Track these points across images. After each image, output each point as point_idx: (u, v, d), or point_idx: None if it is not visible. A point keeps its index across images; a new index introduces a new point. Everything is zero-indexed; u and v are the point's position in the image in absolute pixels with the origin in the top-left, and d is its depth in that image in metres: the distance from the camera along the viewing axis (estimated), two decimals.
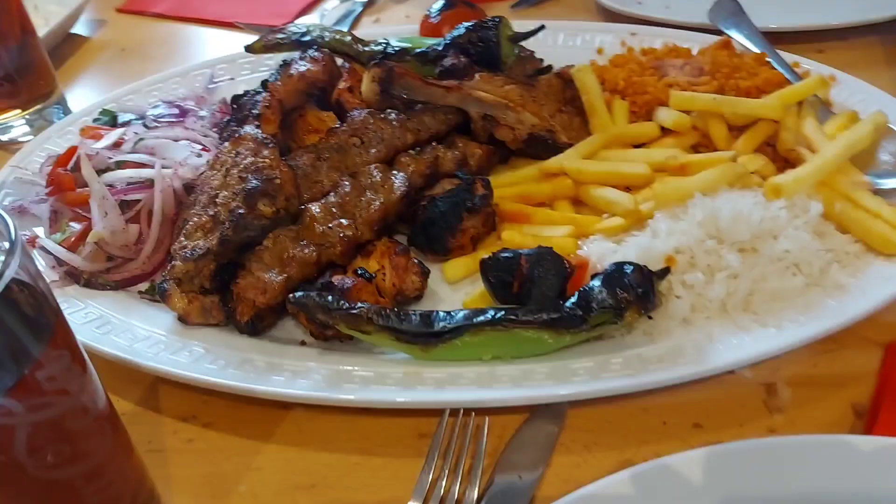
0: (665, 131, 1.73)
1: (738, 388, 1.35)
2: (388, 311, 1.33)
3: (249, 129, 1.60)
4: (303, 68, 1.69)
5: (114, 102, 2.01)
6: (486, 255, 1.41)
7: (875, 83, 1.85)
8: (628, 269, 1.32)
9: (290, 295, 1.34)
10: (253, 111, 1.64)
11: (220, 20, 2.58)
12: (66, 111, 2.17)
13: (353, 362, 1.36)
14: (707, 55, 1.84)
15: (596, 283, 1.32)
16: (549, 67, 1.94)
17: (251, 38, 2.02)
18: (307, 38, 1.90)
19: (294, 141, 1.72)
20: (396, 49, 1.85)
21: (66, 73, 2.40)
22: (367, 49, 1.86)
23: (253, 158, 1.53)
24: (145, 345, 1.41)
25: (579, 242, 1.54)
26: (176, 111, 1.88)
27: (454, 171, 1.66)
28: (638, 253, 1.40)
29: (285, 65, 1.71)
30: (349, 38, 1.90)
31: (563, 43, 2.12)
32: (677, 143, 1.70)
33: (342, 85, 1.84)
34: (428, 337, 1.31)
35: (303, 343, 1.44)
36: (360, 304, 1.33)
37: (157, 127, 1.82)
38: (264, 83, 1.70)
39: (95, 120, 1.91)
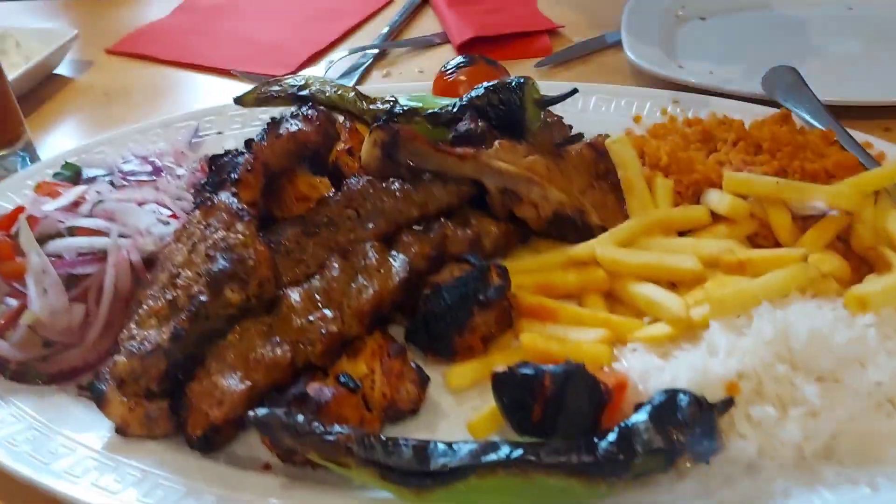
0: (717, 218, 1.46)
1: None
2: (372, 440, 1.04)
3: (224, 196, 1.34)
4: (294, 128, 1.43)
5: (83, 154, 1.76)
6: (501, 370, 1.13)
7: None
8: (683, 400, 1.04)
9: (251, 412, 1.06)
10: (232, 175, 1.38)
11: (217, 67, 2.35)
12: (34, 160, 1.92)
13: (325, 501, 1.07)
14: (765, 130, 1.58)
15: (641, 417, 1.04)
16: (580, 136, 1.68)
17: (247, 89, 1.78)
18: (304, 91, 1.66)
19: (279, 210, 1.46)
20: (405, 108, 1.60)
21: (43, 117, 2.17)
22: (371, 107, 1.61)
23: (224, 233, 1.27)
24: (66, 463, 1.13)
25: (615, 352, 1.26)
26: (149, 168, 1.63)
27: (464, 254, 1.39)
28: (691, 375, 1.12)
29: (274, 123, 1.46)
30: (352, 93, 1.66)
31: (595, 108, 1.87)
32: (731, 233, 1.43)
33: (341, 146, 1.59)
34: (423, 477, 1.02)
35: (267, 467, 1.16)
36: (337, 430, 1.05)
37: (123, 186, 1.56)
38: (248, 143, 1.45)
39: (56, 175, 1.66)
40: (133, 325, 1.25)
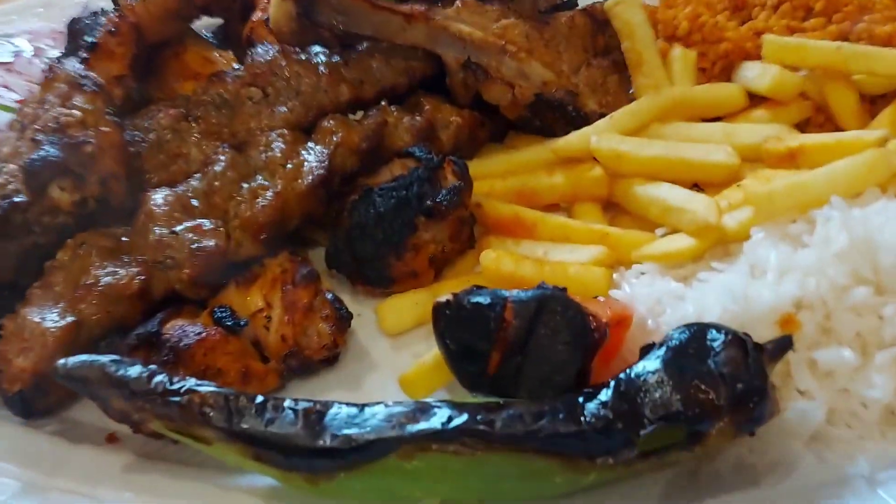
0: (755, 100, 1.08)
1: None
2: (241, 401, 0.69)
3: (70, 64, 0.96)
4: None
5: None
6: (444, 299, 0.76)
7: None
8: (715, 338, 0.68)
9: (59, 362, 0.70)
10: (87, 38, 1.00)
11: None
12: None
13: (180, 491, 0.72)
14: None
15: (651, 364, 0.67)
16: (573, 2, 1.28)
17: None
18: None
19: (161, 91, 1.08)
20: None
21: None
22: None
23: (59, 110, 0.89)
24: None
25: (615, 276, 0.89)
26: (11, 49, 1.25)
27: (410, 148, 1.01)
28: (727, 305, 0.76)
29: None
30: None
31: None
32: (776, 118, 1.07)
33: (257, 16, 1.20)
34: (316, 457, 0.67)
35: (111, 439, 0.80)
36: (189, 385, 0.69)
37: None
38: (116, 1, 1.06)
39: None
40: None
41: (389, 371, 0.90)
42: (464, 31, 1.10)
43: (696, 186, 1.03)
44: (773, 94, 1.08)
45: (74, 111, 0.89)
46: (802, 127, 1.13)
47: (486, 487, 0.69)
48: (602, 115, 1.11)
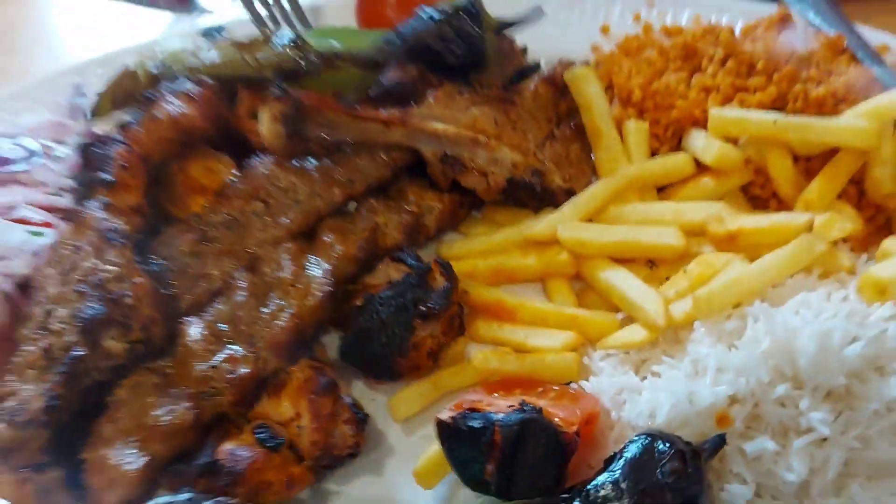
0: (702, 165, 1.22)
1: None
2: None
3: (95, 206, 1.09)
4: (174, 111, 1.15)
5: None
6: (445, 418, 0.93)
7: None
8: (661, 451, 0.85)
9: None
10: (103, 175, 1.12)
11: None
12: None
13: None
14: (760, 44, 1.30)
15: (611, 476, 0.85)
16: (536, 67, 1.39)
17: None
18: (174, 71, 1.28)
19: (173, 206, 1.21)
20: (319, 55, 1.28)
21: None
22: (266, 58, 1.28)
23: (94, 261, 1.03)
24: None
25: (584, 359, 1.06)
26: (22, 153, 1.35)
27: (400, 251, 1.16)
28: (673, 402, 0.94)
29: (148, 102, 1.18)
30: (235, 50, 1.30)
31: (554, 18, 1.55)
32: (720, 187, 1.21)
33: (243, 110, 1.30)
34: None
35: None
36: None
37: None
38: (123, 128, 1.18)
39: None
40: (12, 377, 1.04)
41: (403, 454, 1.06)
42: (438, 129, 1.22)
43: (651, 262, 1.19)
44: (717, 166, 1.21)
45: (109, 266, 1.02)
46: (747, 187, 1.28)
47: None
48: (569, 191, 1.25)
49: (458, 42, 1.28)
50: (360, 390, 1.13)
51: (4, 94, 1.54)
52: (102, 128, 1.36)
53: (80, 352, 0.99)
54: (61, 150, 1.39)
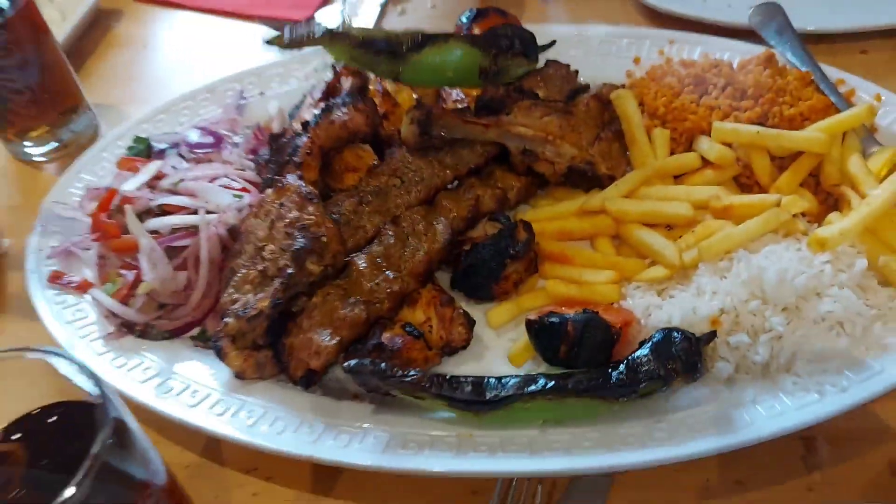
0: (707, 162, 1.72)
1: (779, 444, 1.40)
2: (440, 379, 1.37)
3: (292, 179, 1.59)
4: (345, 117, 1.66)
5: (144, 124, 1.98)
6: (533, 318, 1.44)
7: None
8: (676, 337, 1.35)
9: (346, 364, 1.38)
10: (294, 158, 1.63)
11: (238, 12, 2.51)
12: (91, 120, 2.16)
13: (407, 423, 1.41)
14: (750, 76, 1.80)
15: (644, 351, 1.35)
16: (587, 87, 1.90)
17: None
18: (335, 29, 1.74)
19: (332, 179, 1.71)
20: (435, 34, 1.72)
21: (88, 75, 2.36)
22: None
23: (297, 213, 1.54)
24: (206, 405, 1.46)
25: (622, 291, 1.56)
26: (211, 139, 1.87)
27: (495, 213, 1.67)
28: (683, 313, 1.43)
29: (327, 110, 1.69)
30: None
31: (600, 49, 2.06)
32: (719, 177, 1.70)
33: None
34: (482, 405, 1.35)
35: (355, 396, 1.49)
36: (413, 373, 1.37)
37: (193, 159, 1.81)
38: (305, 126, 1.68)
39: (129, 149, 1.90)
40: (232, 290, 1.55)
41: (497, 349, 1.53)
42: (520, 131, 1.72)
43: (669, 227, 1.69)
44: (717, 162, 1.70)
45: (310, 216, 1.53)
46: (738, 178, 1.78)
47: (564, 414, 1.37)
48: (611, 177, 1.75)
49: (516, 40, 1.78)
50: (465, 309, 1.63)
51: (187, 95, 2.06)
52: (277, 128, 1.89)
53: (291, 270, 1.50)
54: (236, 139, 1.92)
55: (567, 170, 1.74)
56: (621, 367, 1.35)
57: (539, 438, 1.36)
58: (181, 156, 1.84)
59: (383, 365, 1.37)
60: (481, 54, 1.74)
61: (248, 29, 2.49)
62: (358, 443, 1.38)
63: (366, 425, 1.41)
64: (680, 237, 1.59)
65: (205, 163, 1.80)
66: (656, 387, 1.33)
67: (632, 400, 1.35)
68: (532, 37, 1.83)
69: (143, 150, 1.89)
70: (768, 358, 1.39)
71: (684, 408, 1.38)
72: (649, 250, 1.58)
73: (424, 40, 1.72)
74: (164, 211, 1.70)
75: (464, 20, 2.04)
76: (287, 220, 1.55)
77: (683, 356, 1.33)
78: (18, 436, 1.00)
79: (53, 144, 2.10)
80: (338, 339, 1.46)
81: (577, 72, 1.97)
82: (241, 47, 2.40)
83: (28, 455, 0.99)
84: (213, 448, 1.50)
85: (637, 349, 1.37)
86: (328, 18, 2.45)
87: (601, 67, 1.99)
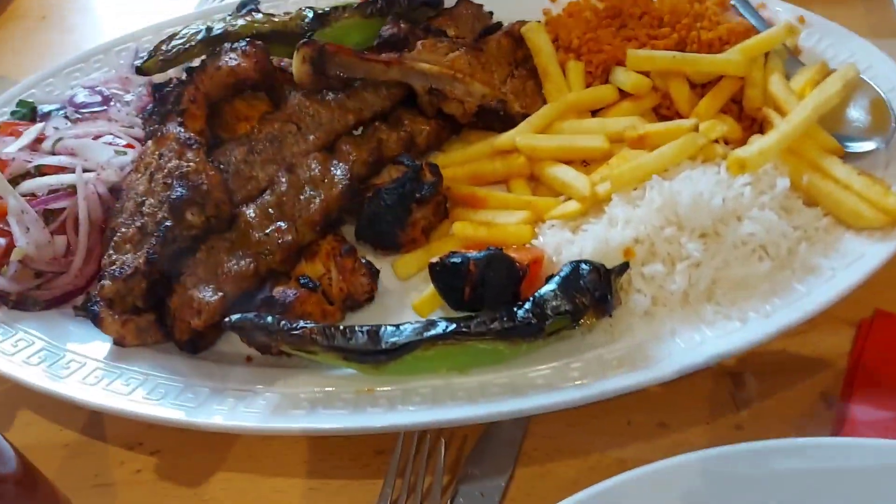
0: (624, 94, 1.62)
1: (704, 380, 1.30)
2: (332, 329, 1.25)
3: (172, 127, 1.47)
4: (233, 62, 1.54)
5: (32, 89, 1.84)
6: (435, 260, 1.32)
7: (849, 21, 1.73)
8: (584, 269, 1.24)
9: (227, 318, 1.25)
10: (177, 106, 1.51)
11: None
12: None
13: (301, 381, 1.29)
14: (667, 3, 1.70)
15: (551, 287, 1.24)
16: (499, 25, 1.79)
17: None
18: (216, 32, 1.69)
19: (224, 131, 1.59)
20: (328, 9, 1.69)
21: None
22: (293, 20, 1.69)
23: (177, 162, 1.41)
24: (81, 375, 1.33)
25: (536, 230, 1.45)
26: (98, 98, 1.74)
27: (399, 156, 1.55)
28: (595, 245, 1.32)
29: (213, 55, 1.56)
30: (261, 17, 1.72)
31: None
32: (637, 108, 1.60)
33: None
34: (377, 355, 1.24)
35: (248, 359, 1.37)
36: (302, 324, 1.25)
37: (79, 119, 1.68)
38: (189, 72, 1.56)
39: (13, 113, 1.76)
40: (112, 251, 1.42)
41: (405, 301, 1.41)
42: (425, 68, 1.61)
43: (585, 163, 1.59)
44: (633, 91, 1.60)
45: (189, 163, 1.41)
46: (657, 109, 1.68)
47: (469, 360, 1.26)
48: (524, 115, 1.63)
49: None
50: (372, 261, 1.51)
51: (79, 57, 1.92)
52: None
53: (170, 223, 1.37)
54: (128, 97, 1.78)
55: (478, 109, 1.63)
56: (527, 304, 1.24)
57: (443, 388, 1.24)
58: (67, 118, 1.71)
59: (269, 318, 1.25)
60: (379, 21, 1.67)
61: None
62: (245, 407, 1.26)
63: (258, 387, 1.29)
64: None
65: (89, 122, 1.66)
66: (564, 323, 1.22)
67: (541, 341, 1.24)
68: None
69: (27, 114, 1.76)
70: (686, 287, 1.29)
71: (599, 345, 1.27)
72: (561, 185, 1.48)
73: (321, 20, 1.64)
74: (43, 173, 1.56)
75: None
76: (166, 171, 1.42)
77: (592, 288, 1.22)
78: None
79: None
80: (220, 294, 1.34)
81: (491, 13, 1.86)
82: (147, 10, 2.25)
83: None
84: (95, 424, 1.37)
85: (544, 285, 1.26)
86: None
87: (516, 8, 1.87)
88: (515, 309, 1.24)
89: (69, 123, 1.67)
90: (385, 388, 1.25)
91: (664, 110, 1.63)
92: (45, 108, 1.76)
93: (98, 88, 1.77)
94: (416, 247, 1.50)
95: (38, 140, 1.64)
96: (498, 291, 1.29)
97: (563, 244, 1.37)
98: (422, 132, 1.62)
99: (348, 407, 1.24)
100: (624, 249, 1.31)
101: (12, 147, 1.60)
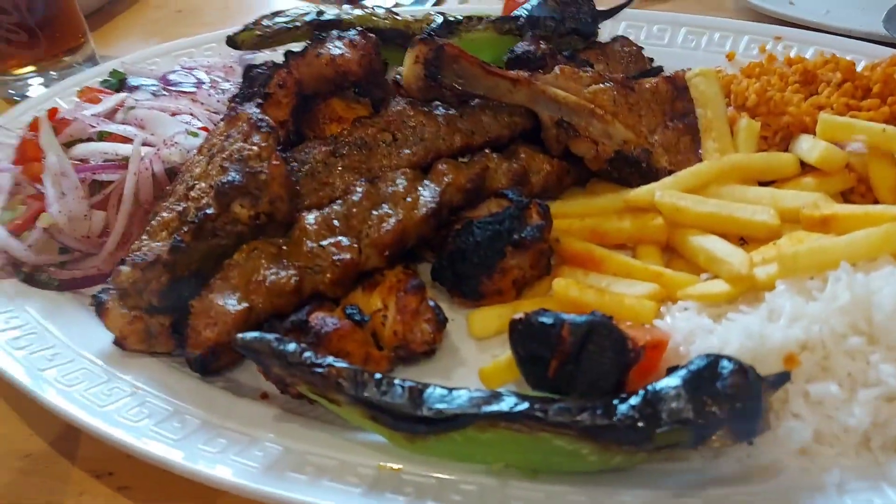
0: (807, 168, 1.26)
1: None
2: (365, 376, 0.94)
3: (249, 107, 1.24)
4: (336, 51, 1.31)
5: (138, 63, 1.71)
6: (518, 317, 0.99)
7: None
8: (725, 367, 0.88)
9: (238, 336, 0.97)
10: (262, 88, 1.29)
11: None
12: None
13: (314, 438, 0.98)
14: (877, 72, 1.34)
15: (673, 382, 0.89)
16: (659, 69, 1.49)
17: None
18: (327, 16, 1.49)
19: (311, 128, 1.35)
20: (459, 18, 1.46)
21: (114, 31, 2.15)
22: (419, 22, 1.47)
23: (241, 144, 1.18)
24: (62, 371, 1.08)
25: (662, 309, 1.10)
26: (192, 80, 1.56)
27: (505, 189, 1.25)
28: (744, 341, 0.96)
29: (317, 40, 1.34)
30: (383, 11, 1.51)
31: (684, 43, 1.66)
32: (822, 185, 1.24)
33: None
34: (416, 423, 0.91)
35: (264, 396, 1.08)
36: (329, 361, 0.95)
37: (164, 96, 1.50)
38: (287, 55, 1.34)
39: (103, 82, 1.62)
40: (144, 236, 1.19)
41: (473, 366, 1.11)
42: (559, 95, 1.32)
43: (743, 241, 1.22)
44: (820, 165, 1.25)
45: (253, 147, 1.17)
46: (847, 194, 1.31)
47: (539, 459, 0.91)
48: (671, 172, 1.30)
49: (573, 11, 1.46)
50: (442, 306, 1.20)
51: (191, 41, 1.79)
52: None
53: (211, 210, 1.12)
54: (226, 85, 1.60)
55: (614, 155, 1.31)
56: (634, 399, 0.88)
57: (494, 491, 0.91)
58: (153, 94, 1.54)
59: (291, 346, 0.96)
60: (514, 40, 1.44)
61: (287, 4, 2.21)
62: (236, 454, 0.96)
63: (259, 433, 0.99)
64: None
65: (171, 98, 1.48)
66: (682, 437, 0.86)
67: (645, 454, 0.87)
68: (592, 10, 1.47)
69: (116, 84, 1.61)
70: (869, 426, 0.89)
71: (728, 481, 0.88)
72: (708, 260, 1.13)
73: (450, 27, 1.42)
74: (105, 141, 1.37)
75: None
76: (227, 153, 1.19)
77: (732, 396, 0.85)
78: None
79: (42, 89, 1.84)
80: (245, 306, 1.06)
81: (651, 59, 1.57)
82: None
83: None
84: (69, 437, 1.12)
85: (663, 378, 0.90)
86: None
87: (684, 63, 1.57)
88: (617, 402, 0.88)
89: (151, 98, 1.50)
90: (416, 472, 0.93)
91: (857, 197, 1.25)
92: (136, 80, 1.60)
93: (195, 71, 1.59)
94: (501, 300, 1.18)
95: (115, 111, 1.46)
96: (597, 373, 0.94)
97: (697, 332, 1.01)
98: (539, 171, 1.33)
99: (362, 486, 0.92)
100: (785, 355, 0.93)
101: (86, 112, 1.43)
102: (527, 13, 1.46)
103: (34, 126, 1.38)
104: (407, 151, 1.29)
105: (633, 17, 1.59)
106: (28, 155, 1.34)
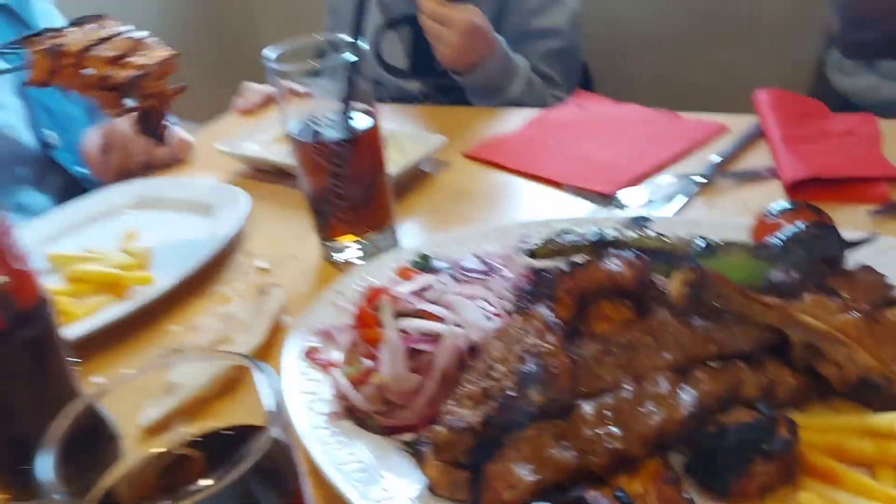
0: None
1: None
2: None
3: (542, 308, 1.56)
4: (615, 268, 1.62)
5: (436, 248, 2.12)
6: None
7: None
8: None
9: (535, 501, 1.24)
10: (551, 292, 1.61)
11: (549, 178, 2.65)
12: (394, 242, 2.36)
13: None
14: None
15: None
16: None
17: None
18: (606, 238, 1.81)
19: (582, 323, 1.64)
20: (718, 243, 1.72)
21: (405, 205, 2.63)
22: (683, 244, 1.75)
23: (536, 340, 1.49)
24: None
25: None
26: (484, 267, 1.93)
27: (754, 400, 1.45)
28: None
29: (597, 256, 1.66)
30: (654, 234, 1.80)
31: None
32: None
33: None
34: None
35: None
36: None
37: (464, 280, 1.88)
38: (572, 265, 1.67)
39: (413, 262, 2.04)
40: (452, 402, 1.52)
41: None
42: (810, 322, 1.52)
43: None
44: None
45: (548, 345, 1.47)
46: None
47: None
48: None
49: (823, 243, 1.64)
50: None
51: (479, 230, 2.19)
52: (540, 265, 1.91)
53: (513, 393, 1.43)
54: (507, 273, 1.96)
55: (858, 381, 1.47)
56: None
57: None
58: (453, 276, 1.92)
59: None
60: (765, 265, 1.65)
61: (555, 194, 2.60)
62: None
63: None
64: None
65: (470, 284, 1.85)
66: None
67: None
68: (839, 242, 1.67)
69: (423, 265, 2.01)
70: None
71: None
72: None
73: (710, 251, 1.69)
74: (420, 316, 1.75)
75: (772, 212, 1.92)
76: (524, 345, 1.50)
77: None
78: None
79: (357, 253, 2.33)
80: (538, 477, 1.33)
81: (893, 286, 1.72)
82: (539, 208, 2.51)
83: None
84: None
85: None
86: (632, 200, 2.48)
87: None
88: None
89: (454, 281, 1.87)
90: None
91: None
92: (438, 264, 2.00)
93: (486, 259, 1.96)
94: (745, 501, 1.35)
95: (424, 289, 1.85)
96: None
97: None
98: (785, 384, 1.50)
99: None
100: None
101: (403, 288, 1.84)
102: (781, 242, 1.68)
103: (370, 299, 1.80)
104: (667, 355, 1.53)
105: (878, 245, 1.75)
106: (366, 323, 1.74)
